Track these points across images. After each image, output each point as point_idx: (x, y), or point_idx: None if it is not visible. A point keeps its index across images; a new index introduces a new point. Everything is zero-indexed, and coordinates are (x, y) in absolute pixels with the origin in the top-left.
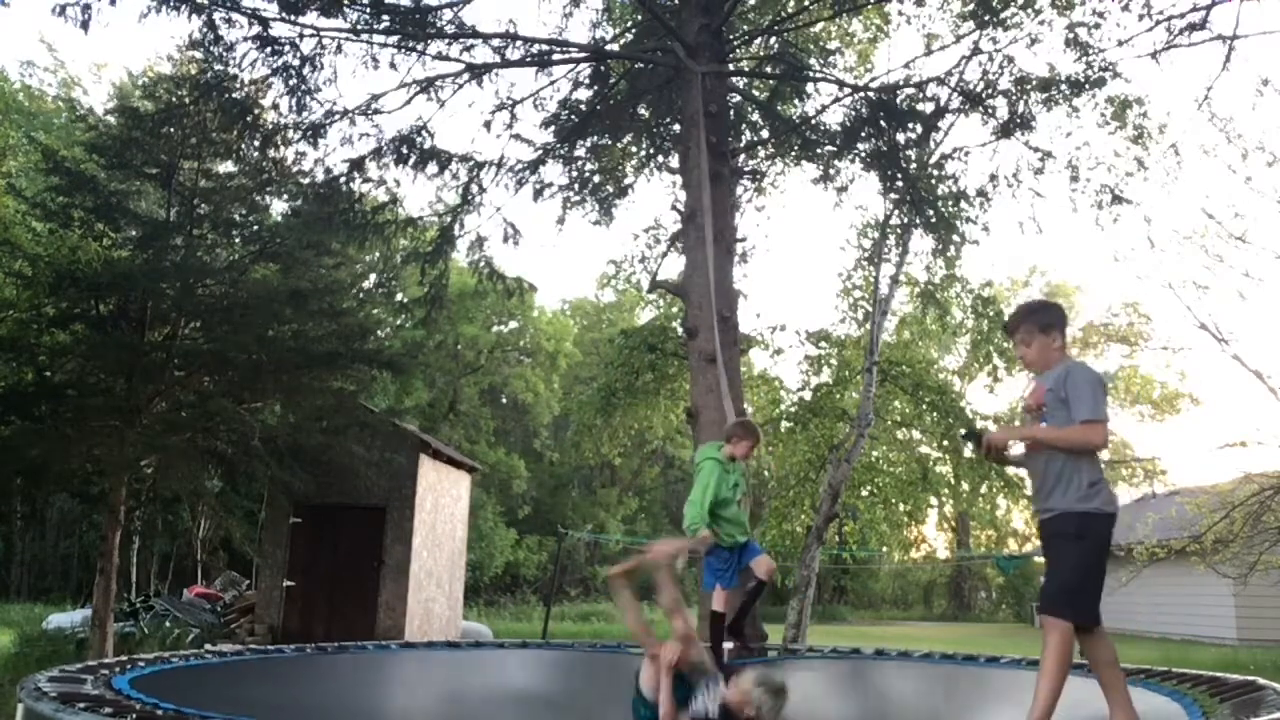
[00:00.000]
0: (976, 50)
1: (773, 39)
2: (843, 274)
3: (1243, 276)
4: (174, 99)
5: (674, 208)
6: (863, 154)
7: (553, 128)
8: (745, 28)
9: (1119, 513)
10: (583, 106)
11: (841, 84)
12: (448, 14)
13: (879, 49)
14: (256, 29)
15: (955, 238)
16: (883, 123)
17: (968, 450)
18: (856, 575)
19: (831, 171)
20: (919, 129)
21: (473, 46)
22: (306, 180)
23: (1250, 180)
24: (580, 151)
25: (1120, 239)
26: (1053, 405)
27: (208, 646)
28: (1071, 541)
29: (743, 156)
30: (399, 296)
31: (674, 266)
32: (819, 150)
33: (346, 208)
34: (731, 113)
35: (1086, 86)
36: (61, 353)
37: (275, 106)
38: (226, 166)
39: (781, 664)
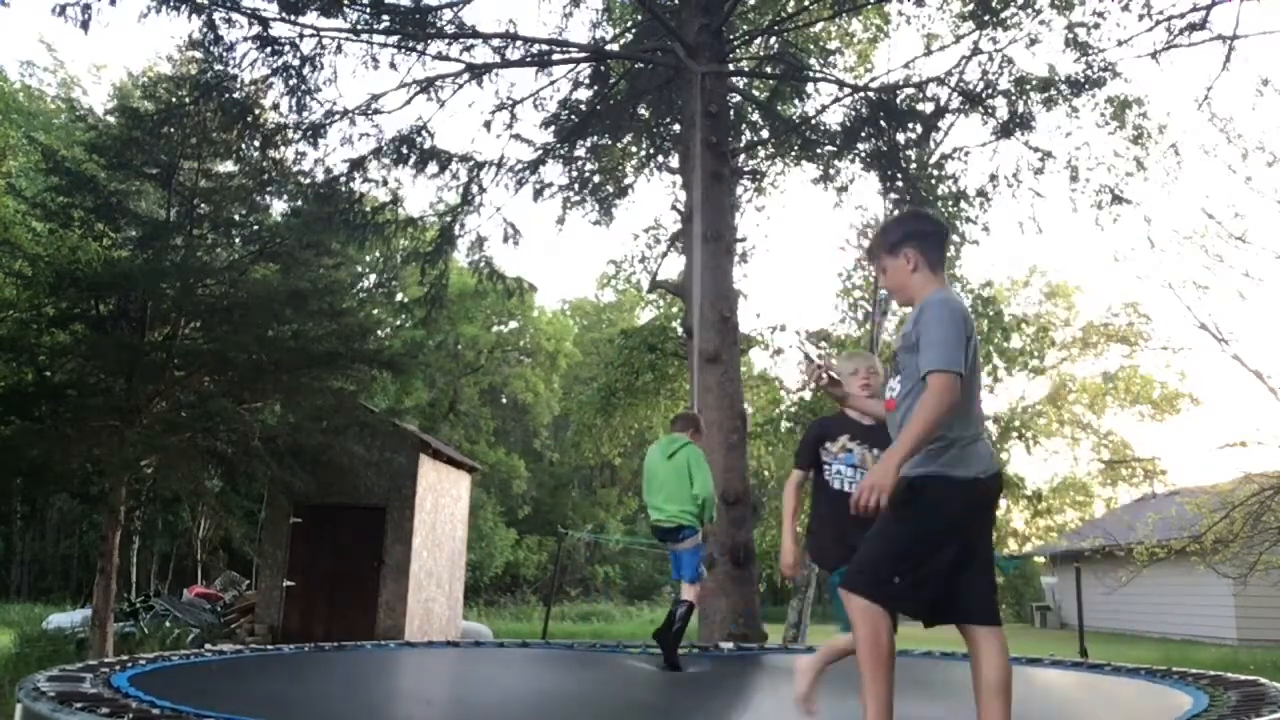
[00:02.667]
0: (976, 50)
1: (773, 39)
2: (843, 274)
3: (1243, 276)
4: (174, 99)
5: (674, 208)
6: (863, 154)
7: (553, 128)
8: (745, 28)
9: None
10: (583, 106)
11: (841, 84)
12: (448, 14)
13: (879, 49)
14: (256, 29)
15: (955, 238)
16: (883, 123)
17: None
18: None
19: (831, 171)
20: (919, 129)
21: (473, 46)
22: (306, 180)
23: (1250, 180)
24: (580, 151)
25: (1120, 239)
26: (902, 358)
27: (208, 646)
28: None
29: (743, 156)
30: (399, 296)
31: (674, 266)
32: (819, 150)
33: (346, 208)
34: (731, 113)
35: (1086, 86)
36: (61, 353)
37: (275, 106)
38: (226, 166)
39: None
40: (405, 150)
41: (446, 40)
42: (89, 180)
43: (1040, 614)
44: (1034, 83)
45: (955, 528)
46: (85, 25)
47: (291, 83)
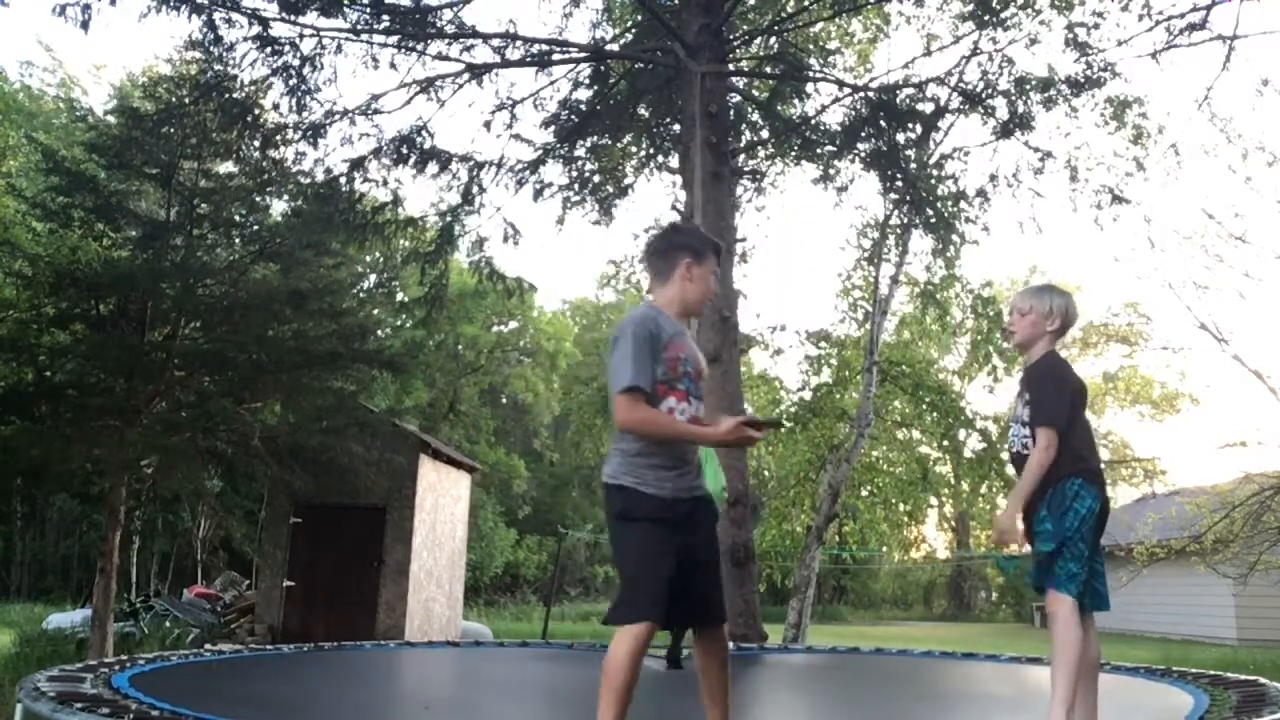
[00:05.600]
0: (976, 50)
1: (773, 39)
2: (843, 274)
3: (1243, 276)
4: (174, 99)
5: (674, 208)
6: (863, 154)
7: (553, 128)
8: (745, 28)
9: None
10: (583, 106)
11: (841, 84)
12: (448, 14)
13: (879, 49)
14: (256, 29)
15: (955, 238)
16: (883, 123)
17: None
18: (856, 575)
19: (831, 171)
20: (919, 129)
21: (473, 46)
22: (306, 180)
23: (1250, 180)
24: (580, 151)
25: (1120, 239)
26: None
27: (208, 646)
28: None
29: (743, 156)
30: (399, 296)
31: None
32: (819, 150)
33: (346, 208)
34: (731, 113)
35: (1086, 86)
36: (61, 353)
37: (275, 106)
38: (226, 166)
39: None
40: (405, 150)
41: (446, 40)
42: (89, 180)
43: (1040, 614)
44: (1034, 83)
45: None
46: (85, 25)
47: (291, 83)
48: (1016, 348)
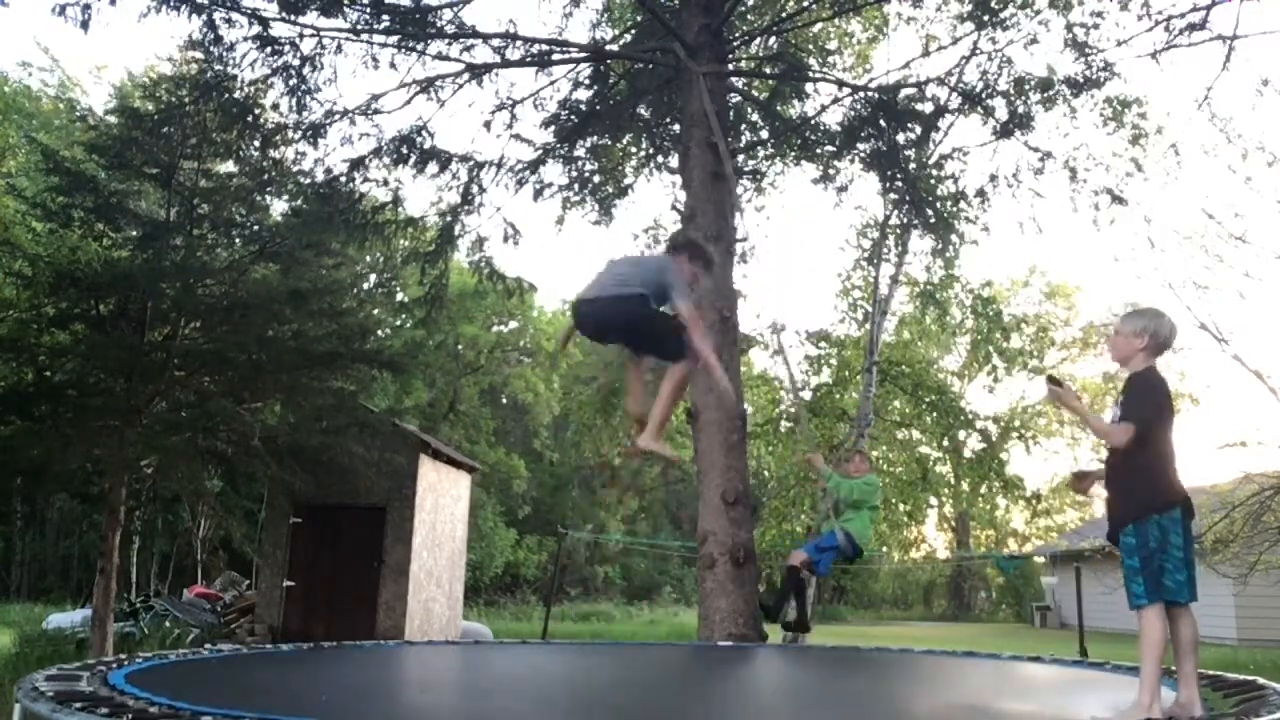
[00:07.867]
0: (975, 51)
1: (773, 39)
2: (843, 274)
3: (1243, 276)
4: (174, 99)
5: (674, 208)
6: (863, 154)
7: (553, 128)
8: (745, 28)
9: None
10: (583, 106)
11: (841, 84)
12: (448, 14)
13: (878, 49)
14: (256, 29)
15: (955, 238)
16: (882, 123)
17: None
18: (856, 575)
19: (831, 171)
20: (919, 129)
21: (473, 46)
22: (306, 180)
23: (1250, 180)
24: (580, 151)
25: (1120, 239)
26: None
27: (207, 646)
28: None
29: (742, 156)
30: (399, 296)
31: None
32: (819, 150)
33: (346, 208)
34: (731, 113)
35: (1085, 87)
36: (61, 353)
37: (275, 106)
38: (226, 166)
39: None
40: (405, 150)
41: (446, 40)
42: (89, 180)
43: (1040, 614)
44: (1033, 83)
45: None
46: (85, 25)
47: (291, 83)
48: (1117, 362)
